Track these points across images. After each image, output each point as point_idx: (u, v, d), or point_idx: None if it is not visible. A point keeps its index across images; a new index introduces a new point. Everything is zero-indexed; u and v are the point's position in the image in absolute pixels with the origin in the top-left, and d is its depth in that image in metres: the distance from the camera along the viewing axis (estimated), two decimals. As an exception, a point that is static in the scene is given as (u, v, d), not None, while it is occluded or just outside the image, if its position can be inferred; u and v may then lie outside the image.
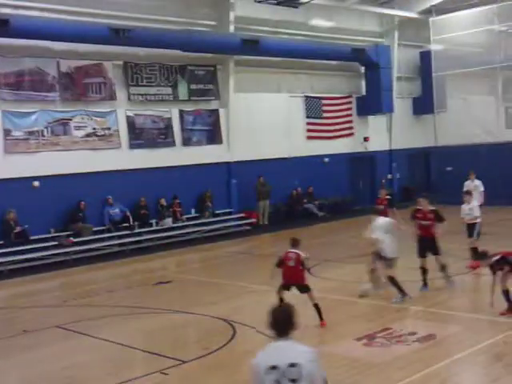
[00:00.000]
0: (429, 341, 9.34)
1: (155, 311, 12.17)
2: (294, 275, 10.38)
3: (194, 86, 23.16)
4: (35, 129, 19.19)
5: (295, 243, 10.63)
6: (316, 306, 10.38)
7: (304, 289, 10.42)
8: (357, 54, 26.55)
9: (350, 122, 28.15)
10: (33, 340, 10.85)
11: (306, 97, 26.61)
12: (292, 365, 4.16)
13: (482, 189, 18.43)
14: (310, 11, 25.48)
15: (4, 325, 12.16)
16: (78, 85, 20.18)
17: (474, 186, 18.39)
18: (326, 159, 27.04)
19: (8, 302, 14.82)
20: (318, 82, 27.11)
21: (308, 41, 25.56)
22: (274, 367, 4.17)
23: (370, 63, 27.54)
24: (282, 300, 9.96)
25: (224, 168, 23.76)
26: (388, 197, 17.06)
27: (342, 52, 26.32)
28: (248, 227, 23.02)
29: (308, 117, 26.70)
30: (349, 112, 28.06)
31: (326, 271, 14.90)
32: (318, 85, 27.10)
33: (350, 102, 28.17)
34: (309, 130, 26.74)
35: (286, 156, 25.17)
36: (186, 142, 22.95)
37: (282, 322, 4.34)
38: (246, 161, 23.78)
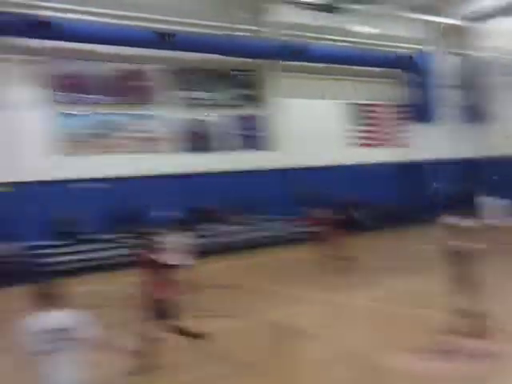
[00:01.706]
0: (491, 357, 8.96)
1: (212, 315, 11.98)
2: None
3: (235, 91, 23.07)
4: (82, 131, 19.32)
5: None
6: None
7: None
8: (402, 61, 26.23)
9: (396, 129, 27.80)
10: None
11: (350, 103, 26.33)
12: (62, 328, 5.28)
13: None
14: (354, 17, 25.24)
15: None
16: (123, 88, 20.24)
17: None
18: (370, 167, 26.66)
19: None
20: (363, 89, 26.83)
21: (352, 47, 25.30)
22: (49, 330, 5.25)
23: (415, 70, 27.17)
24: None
25: (263, 174, 23.51)
26: (336, 217, 16.15)
27: (386, 59, 26.01)
28: (302, 235, 22.54)
29: (351, 124, 26.42)
30: (394, 119, 27.72)
31: (379, 281, 14.55)
32: (363, 92, 26.83)
33: (395, 110, 27.83)
34: (352, 137, 26.45)
35: (327, 163, 24.86)
36: (226, 146, 22.83)
37: (54, 295, 5.42)
38: (287, 167, 23.51)
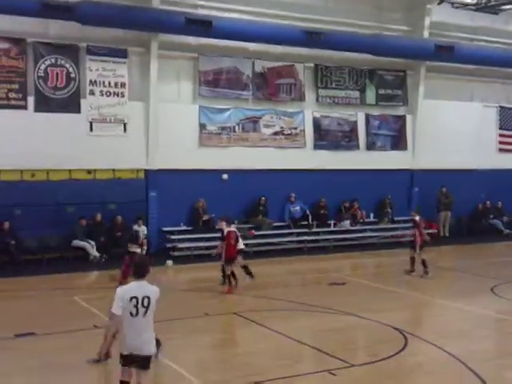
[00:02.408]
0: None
1: (327, 311, 12.36)
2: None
3: (382, 91, 23.13)
4: (228, 124, 20.43)
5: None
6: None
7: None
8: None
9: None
10: (212, 324, 11.53)
11: (501, 107, 25.37)
12: (145, 296, 6.34)
13: None
14: (512, 18, 24.24)
15: (188, 306, 12.96)
16: (270, 85, 21.03)
17: None
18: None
19: (191, 284, 15.84)
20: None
21: (507, 49, 24.27)
22: (134, 297, 6.30)
23: None
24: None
25: (406, 175, 23.41)
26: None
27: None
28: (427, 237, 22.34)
29: (501, 128, 25.47)
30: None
31: (509, 292, 14.16)
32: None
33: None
34: (501, 143, 25.50)
35: (473, 167, 24.13)
36: (370, 146, 22.99)
37: (140, 268, 6.46)
38: (430, 169, 23.16)
